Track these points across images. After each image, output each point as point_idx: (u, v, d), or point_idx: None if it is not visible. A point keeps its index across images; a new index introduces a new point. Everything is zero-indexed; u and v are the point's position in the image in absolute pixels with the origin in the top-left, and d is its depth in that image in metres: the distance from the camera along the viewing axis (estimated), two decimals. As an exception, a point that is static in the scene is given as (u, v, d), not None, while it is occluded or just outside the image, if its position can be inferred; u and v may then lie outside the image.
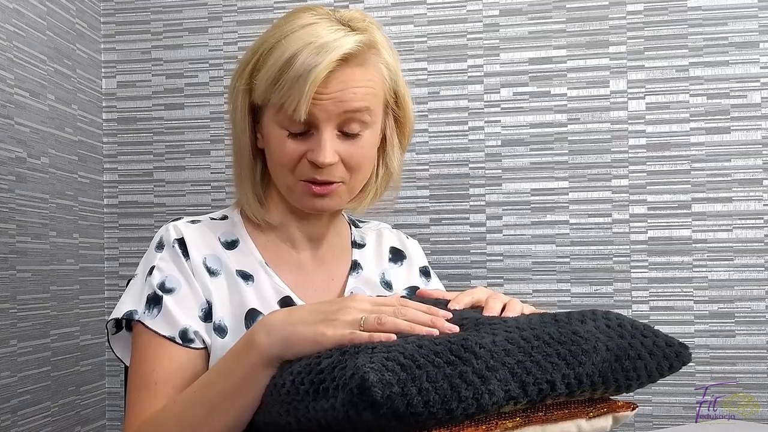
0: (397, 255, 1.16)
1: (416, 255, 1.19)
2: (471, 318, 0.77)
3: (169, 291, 0.97)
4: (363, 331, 0.74)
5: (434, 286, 1.18)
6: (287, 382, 0.74)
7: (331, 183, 0.98)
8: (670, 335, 0.82)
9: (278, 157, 0.98)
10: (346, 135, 0.98)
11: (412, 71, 1.62)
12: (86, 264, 1.62)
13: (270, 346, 0.79)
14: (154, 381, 0.93)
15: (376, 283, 1.11)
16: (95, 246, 1.66)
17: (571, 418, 0.74)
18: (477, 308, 0.87)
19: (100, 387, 1.65)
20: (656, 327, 0.82)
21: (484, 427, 0.68)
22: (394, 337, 0.70)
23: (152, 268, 0.99)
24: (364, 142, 0.99)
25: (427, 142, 1.61)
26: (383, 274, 1.12)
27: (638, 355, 0.77)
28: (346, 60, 0.94)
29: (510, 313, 0.84)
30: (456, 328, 0.75)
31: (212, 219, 1.07)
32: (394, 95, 1.04)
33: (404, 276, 1.15)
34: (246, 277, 1.01)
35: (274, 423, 0.77)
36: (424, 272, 1.18)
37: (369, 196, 1.09)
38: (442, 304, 0.85)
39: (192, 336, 0.95)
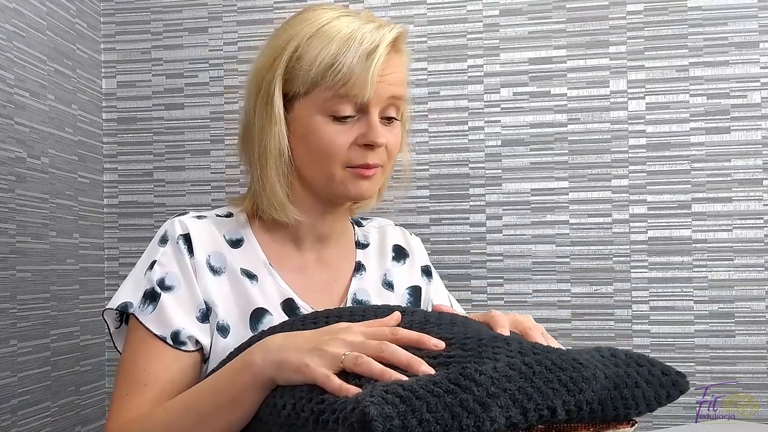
0: (400, 253, 1.16)
1: (419, 254, 1.19)
2: (474, 339, 0.77)
3: (168, 289, 0.96)
4: (343, 366, 0.73)
5: (435, 285, 1.19)
6: (288, 404, 0.74)
7: (377, 166, 0.98)
8: (667, 364, 0.82)
9: (325, 145, 0.96)
10: (385, 121, 0.99)
11: (412, 71, 1.62)
12: (86, 264, 1.62)
13: (264, 368, 0.78)
14: (144, 382, 0.93)
15: (378, 286, 1.11)
16: (95, 246, 1.66)
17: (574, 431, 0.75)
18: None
19: (100, 387, 1.65)
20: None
21: None
22: (357, 390, 0.69)
23: (153, 263, 0.98)
24: (397, 130, 1.01)
25: (427, 142, 1.61)
26: (385, 275, 1.12)
27: (636, 384, 0.77)
28: (393, 45, 0.97)
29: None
30: (442, 345, 0.75)
31: (217, 216, 1.06)
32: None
33: (406, 274, 1.15)
34: (250, 276, 1.01)
35: None
36: (426, 271, 1.18)
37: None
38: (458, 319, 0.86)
39: (184, 339, 0.95)
